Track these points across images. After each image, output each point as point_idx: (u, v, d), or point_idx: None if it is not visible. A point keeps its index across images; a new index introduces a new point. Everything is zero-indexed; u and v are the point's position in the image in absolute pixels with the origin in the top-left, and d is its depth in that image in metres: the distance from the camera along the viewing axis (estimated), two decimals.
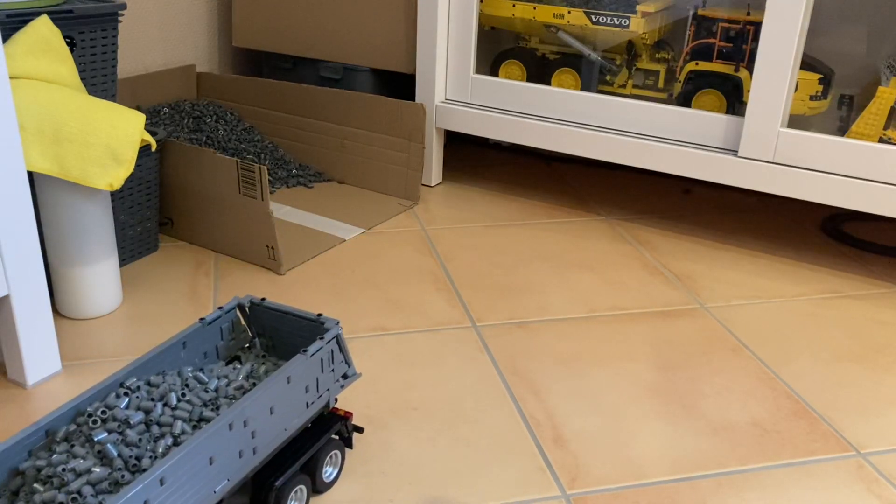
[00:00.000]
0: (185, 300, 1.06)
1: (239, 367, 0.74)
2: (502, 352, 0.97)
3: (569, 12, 1.38)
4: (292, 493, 0.70)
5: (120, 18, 1.18)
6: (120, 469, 0.60)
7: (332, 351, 0.74)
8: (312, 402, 0.72)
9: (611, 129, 1.31)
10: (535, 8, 1.41)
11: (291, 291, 1.09)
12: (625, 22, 1.34)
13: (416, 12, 1.41)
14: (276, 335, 0.80)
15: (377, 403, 0.87)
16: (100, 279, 1.00)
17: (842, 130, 1.26)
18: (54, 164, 0.91)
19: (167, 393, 0.67)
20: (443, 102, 1.44)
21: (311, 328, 0.76)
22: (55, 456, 0.61)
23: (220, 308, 0.78)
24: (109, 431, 0.63)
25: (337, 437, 0.76)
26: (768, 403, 0.89)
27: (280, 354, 0.80)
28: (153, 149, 1.07)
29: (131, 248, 1.16)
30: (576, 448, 0.81)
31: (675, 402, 0.89)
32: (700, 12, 1.31)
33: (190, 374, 0.71)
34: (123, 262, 1.15)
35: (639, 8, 1.33)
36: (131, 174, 1.11)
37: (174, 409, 0.66)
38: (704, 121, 1.24)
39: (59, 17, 1.01)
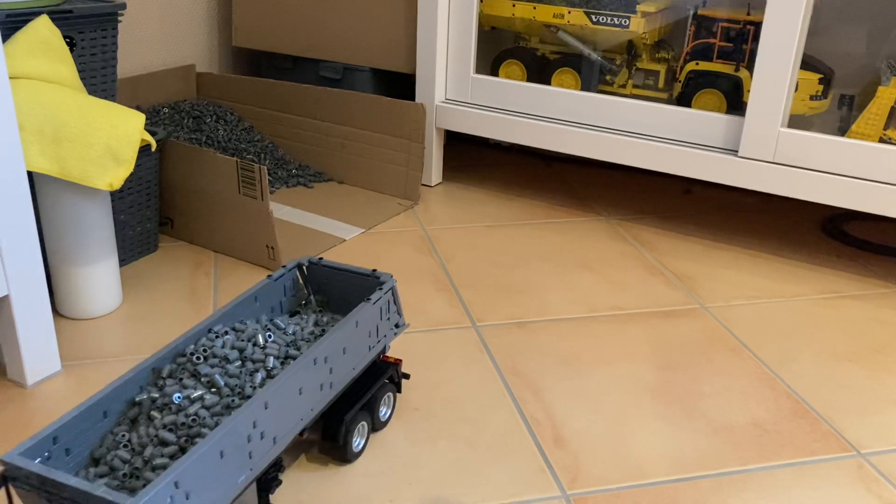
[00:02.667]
0: (185, 300, 1.06)
1: (305, 317, 0.81)
2: (502, 352, 0.97)
3: (569, 12, 1.38)
4: (357, 428, 0.77)
5: (120, 18, 1.18)
6: (229, 395, 0.67)
7: (389, 301, 0.82)
8: (373, 347, 0.79)
9: (611, 129, 1.31)
10: (535, 8, 1.41)
11: None
12: (625, 22, 1.34)
13: (416, 12, 1.41)
14: (329, 292, 0.87)
15: None
16: (100, 279, 1.00)
17: (842, 130, 1.26)
18: (54, 164, 0.91)
19: (255, 335, 0.75)
20: (443, 102, 1.44)
21: (365, 283, 0.83)
22: (167, 388, 0.68)
23: (283, 266, 0.86)
24: (212, 366, 0.70)
25: (388, 381, 0.82)
26: (768, 403, 0.89)
27: (333, 310, 0.86)
28: (153, 149, 1.07)
29: (131, 248, 1.16)
30: (576, 448, 0.81)
31: (675, 402, 0.89)
32: (700, 12, 1.31)
33: (268, 322, 0.80)
34: (123, 262, 1.15)
35: (639, 8, 1.33)
36: (131, 174, 1.11)
37: (264, 347, 0.74)
38: (705, 121, 1.24)
39: (59, 17, 1.01)
